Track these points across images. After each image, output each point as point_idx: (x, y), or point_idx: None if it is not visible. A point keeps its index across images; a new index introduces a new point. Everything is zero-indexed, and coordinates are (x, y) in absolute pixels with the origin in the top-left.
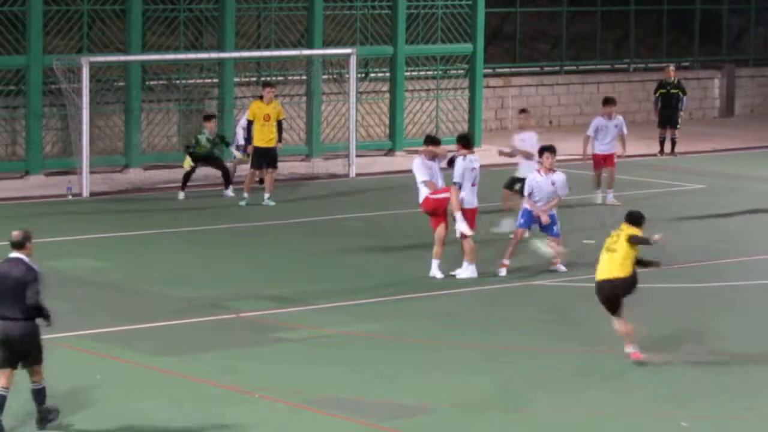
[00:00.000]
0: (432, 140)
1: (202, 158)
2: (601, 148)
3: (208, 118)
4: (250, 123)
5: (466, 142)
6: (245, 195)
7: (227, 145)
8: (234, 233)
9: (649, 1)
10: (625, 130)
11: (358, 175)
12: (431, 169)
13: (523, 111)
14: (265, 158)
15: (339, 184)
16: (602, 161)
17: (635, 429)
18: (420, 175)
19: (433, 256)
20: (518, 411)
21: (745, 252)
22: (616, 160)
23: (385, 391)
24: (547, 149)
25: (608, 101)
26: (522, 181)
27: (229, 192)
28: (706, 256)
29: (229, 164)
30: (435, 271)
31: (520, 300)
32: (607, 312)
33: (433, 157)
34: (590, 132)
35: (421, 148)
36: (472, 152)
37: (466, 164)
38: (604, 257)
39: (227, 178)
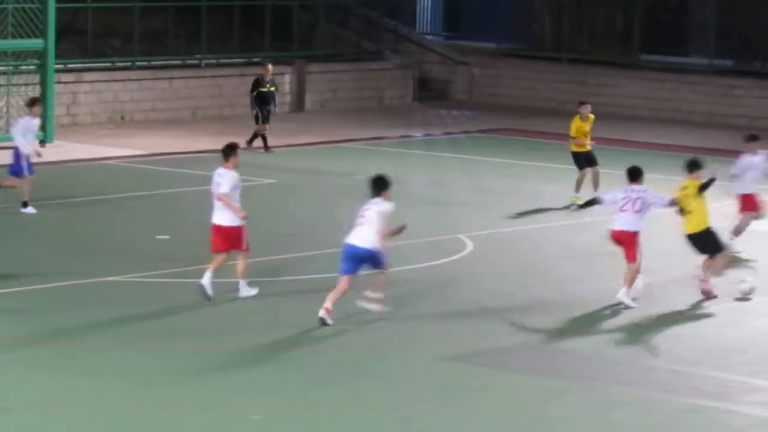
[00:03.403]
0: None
1: None
2: (750, 188)
3: None
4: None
5: None
6: None
7: None
8: None
9: None
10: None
11: None
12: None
13: None
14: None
15: None
16: (757, 203)
17: (210, 424)
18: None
19: None
20: (96, 407)
21: (315, 246)
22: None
23: None
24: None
25: (753, 137)
26: None
27: None
28: (276, 250)
29: None
30: None
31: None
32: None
33: None
34: (737, 171)
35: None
36: None
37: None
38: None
39: None
